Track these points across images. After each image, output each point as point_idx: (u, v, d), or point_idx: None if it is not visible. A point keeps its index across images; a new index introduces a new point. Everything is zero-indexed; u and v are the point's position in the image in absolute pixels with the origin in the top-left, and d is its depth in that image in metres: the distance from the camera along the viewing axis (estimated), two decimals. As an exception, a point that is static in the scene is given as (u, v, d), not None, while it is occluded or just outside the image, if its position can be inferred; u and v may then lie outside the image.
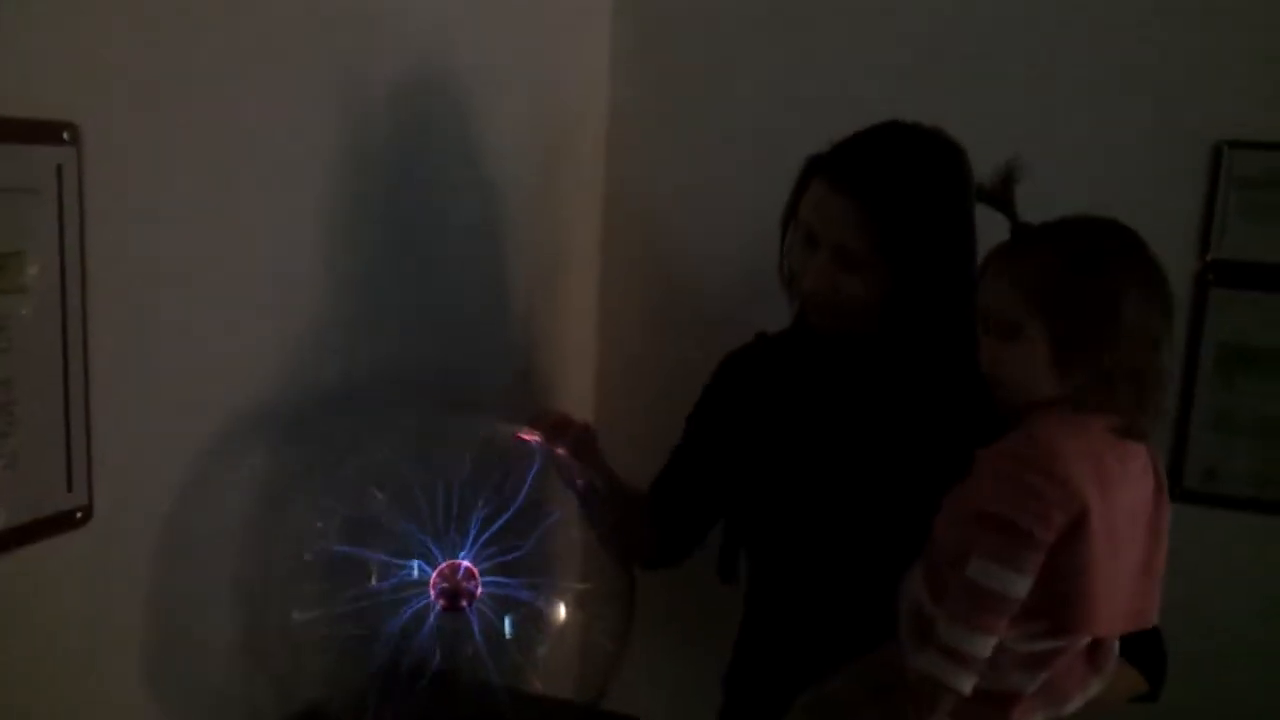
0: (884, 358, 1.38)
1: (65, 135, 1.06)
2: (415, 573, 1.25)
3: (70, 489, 1.11)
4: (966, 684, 1.10)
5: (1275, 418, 1.77)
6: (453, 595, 1.25)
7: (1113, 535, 1.11)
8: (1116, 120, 1.78)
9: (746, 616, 1.51)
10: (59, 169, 1.06)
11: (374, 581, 1.25)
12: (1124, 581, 1.14)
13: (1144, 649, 1.29)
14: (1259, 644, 1.82)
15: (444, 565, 1.25)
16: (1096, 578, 1.11)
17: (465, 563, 1.25)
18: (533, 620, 1.27)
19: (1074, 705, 1.19)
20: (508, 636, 1.26)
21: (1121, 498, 1.13)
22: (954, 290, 1.31)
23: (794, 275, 1.40)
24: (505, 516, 1.24)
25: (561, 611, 1.30)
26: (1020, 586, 1.09)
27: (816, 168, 1.36)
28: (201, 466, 1.26)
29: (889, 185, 1.31)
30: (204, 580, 1.29)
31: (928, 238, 1.31)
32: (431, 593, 1.24)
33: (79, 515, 1.13)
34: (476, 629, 1.25)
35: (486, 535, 1.25)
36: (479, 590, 1.25)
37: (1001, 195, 1.19)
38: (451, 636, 1.25)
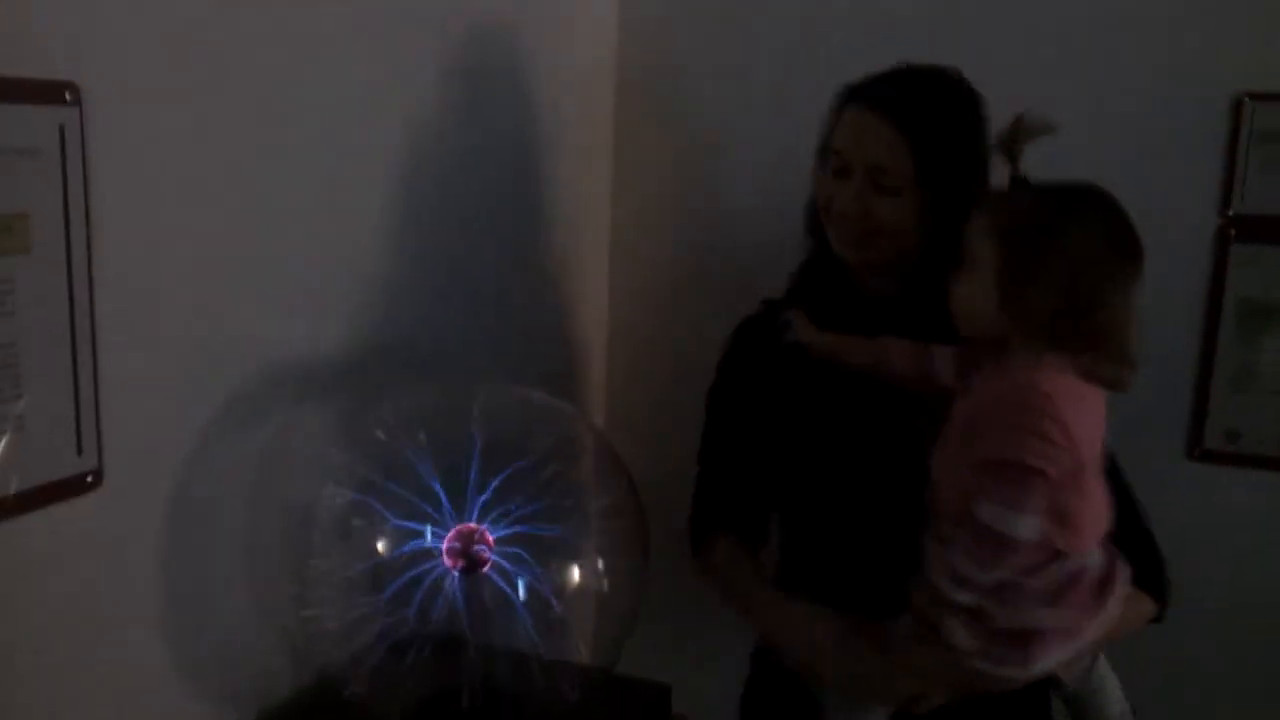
0: (899, 306, 1.38)
1: (67, 95, 1.06)
2: (428, 537, 1.24)
3: (80, 453, 1.11)
4: (968, 600, 1.20)
5: (1298, 374, 1.74)
6: (465, 560, 1.24)
7: (1094, 465, 1.21)
8: (1136, 74, 1.75)
9: (780, 587, 1.47)
10: (61, 129, 1.05)
11: (387, 546, 1.24)
12: (1098, 502, 1.23)
13: (1146, 571, 1.31)
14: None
15: (457, 529, 1.24)
16: (1087, 507, 1.21)
17: (478, 527, 1.24)
18: (546, 584, 1.26)
19: (1089, 638, 1.22)
20: (521, 600, 1.25)
21: (1096, 433, 1.21)
22: None
23: (825, 205, 1.40)
24: (502, 473, 1.22)
25: (575, 575, 1.29)
26: (1030, 528, 1.17)
27: (850, 96, 1.39)
28: (212, 430, 1.25)
29: (924, 108, 1.34)
30: (216, 545, 1.28)
31: (959, 163, 1.34)
32: (444, 557, 1.24)
33: (89, 479, 1.12)
34: (489, 594, 1.24)
35: (499, 500, 1.24)
36: (491, 555, 1.24)
37: (1011, 145, 1.22)
38: (464, 601, 1.24)
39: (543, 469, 1.26)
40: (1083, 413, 1.18)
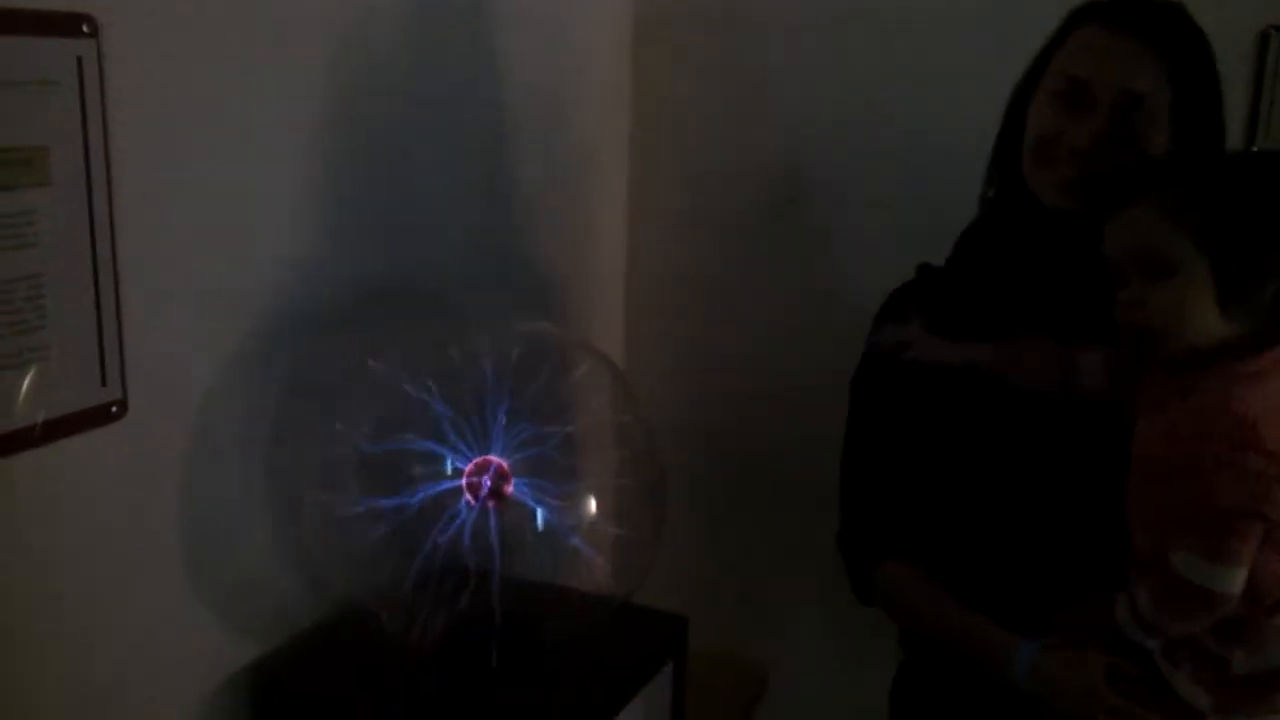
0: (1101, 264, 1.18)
1: (84, 27, 1.06)
2: (448, 469, 1.26)
3: (104, 383, 1.12)
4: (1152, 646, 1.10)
5: (1321, 313, 1.73)
6: (485, 491, 1.25)
7: None
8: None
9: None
10: (79, 61, 1.06)
11: (406, 479, 1.25)
12: None
13: None
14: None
15: (476, 462, 1.26)
16: None
17: (497, 459, 1.26)
18: (564, 515, 1.28)
19: None
20: (539, 531, 1.27)
21: None
22: None
23: (1047, 140, 1.20)
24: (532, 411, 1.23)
25: (593, 505, 1.30)
26: (1233, 581, 1.03)
27: (1088, 15, 1.20)
28: (235, 361, 1.27)
29: (1181, 34, 1.18)
30: (239, 475, 1.30)
31: (1212, 96, 1.20)
32: (464, 489, 1.25)
33: (114, 409, 1.14)
34: (508, 525, 1.26)
35: (517, 432, 1.25)
36: (511, 485, 1.26)
37: None
38: (484, 532, 1.26)
39: (559, 400, 1.27)
40: None
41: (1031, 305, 1.24)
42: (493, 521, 1.25)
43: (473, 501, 1.25)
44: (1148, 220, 1.06)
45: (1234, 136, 1.68)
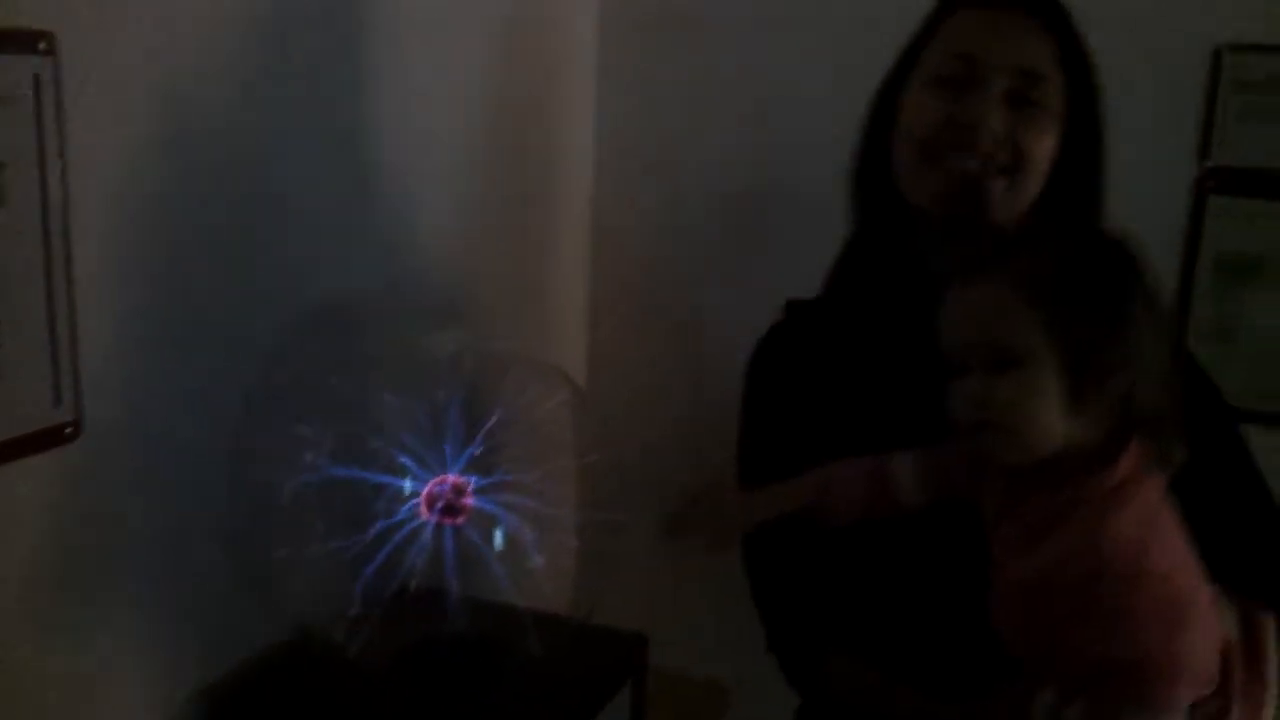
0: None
1: (41, 45, 1.05)
2: (406, 489, 1.25)
3: (58, 403, 1.11)
4: None
5: (1276, 328, 1.75)
6: (443, 510, 1.25)
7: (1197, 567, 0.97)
8: (1113, 24, 1.74)
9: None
10: (36, 79, 1.05)
11: (364, 498, 1.25)
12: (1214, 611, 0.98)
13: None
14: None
15: (434, 480, 1.25)
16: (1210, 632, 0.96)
17: (455, 478, 1.26)
18: (523, 534, 1.27)
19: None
20: (498, 549, 1.27)
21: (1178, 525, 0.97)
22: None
23: (926, 133, 1.08)
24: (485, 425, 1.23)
25: (552, 525, 1.30)
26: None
27: (959, 2, 1.10)
28: (191, 383, 1.26)
29: (1066, 15, 1.10)
30: (196, 498, 1.29)
31: (1096, 90, 1.10)
32: (422, 509, 1.25)
33: (68, 431, 1.13)
34: (466, 544, 1.26)
35: (476, 450, 1.26)
36: (469, 505, 1.26)
37: None
38: (442, 551, 1.25)
39: (517, 419, 1.27)
40: (1166, 523, 0.94)
41: (902, 352, 1.11)
42: (449, 541, 1.25)
43: (430, 519, 1.24)
44: (992, 302, 0.93)
45: (1188, 154, 1.73)
